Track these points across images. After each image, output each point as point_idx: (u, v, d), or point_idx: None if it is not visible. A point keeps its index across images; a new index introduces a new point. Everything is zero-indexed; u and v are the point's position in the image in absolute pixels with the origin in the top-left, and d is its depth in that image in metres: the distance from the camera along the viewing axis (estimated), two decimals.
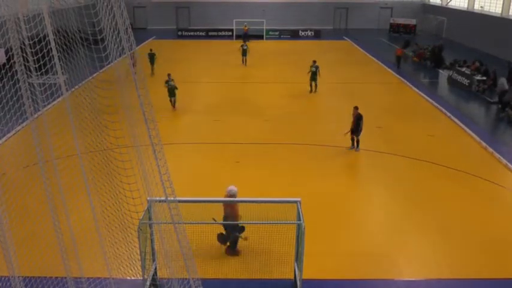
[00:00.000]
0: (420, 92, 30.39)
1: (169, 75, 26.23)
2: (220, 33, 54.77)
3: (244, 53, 38.27)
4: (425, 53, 40.37)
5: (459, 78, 32.58)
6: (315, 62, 30.50)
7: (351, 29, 60.92)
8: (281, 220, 11.24)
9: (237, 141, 21.54)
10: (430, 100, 28.62)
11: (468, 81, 31.48)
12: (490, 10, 46.61)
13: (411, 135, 22.80)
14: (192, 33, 54.95)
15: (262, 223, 11.12)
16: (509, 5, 42.82)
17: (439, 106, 27.30)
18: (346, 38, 52.63)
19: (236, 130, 23.07)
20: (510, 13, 42.75)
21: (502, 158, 19.82)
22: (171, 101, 25.94)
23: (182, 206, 8.85)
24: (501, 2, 43.92)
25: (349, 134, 20.36)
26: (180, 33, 55.05)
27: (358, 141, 20.45)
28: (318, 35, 55.35)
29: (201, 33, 54.97)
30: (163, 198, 7.61)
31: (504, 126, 24.87)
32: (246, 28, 51.42)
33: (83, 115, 8.00)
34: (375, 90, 30.41)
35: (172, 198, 7.58)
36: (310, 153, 20.31)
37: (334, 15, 62.55)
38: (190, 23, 61.04)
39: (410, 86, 32.09)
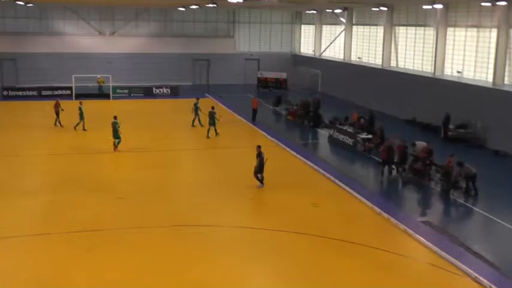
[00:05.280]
0: (298, 156, 31.35)
1: (115, 117, 32.16)
2: (56, 92, 52.81)
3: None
4: (299, 110, 42.09)
5: (341, 137, 34.25)
6: (213, 107, 36.62)
7: (213, 85, 62.00)
8: None
9: (85, 226, 20.42)
10: (311, 164, 29.59)
11: (352, 140, 33.13)
12: (369, 61, 50.56)
13: (292, 205, 23.24)
14: (20, 93, 52.38)
15: None
16: (390, 57, 46.82)
17: (321, 170, 28.29)
18: (208, 96, 53.45)
19: (83, 212, 21.98)
20: (392, 64, 46.70)
21: (399, 223, 20.84)
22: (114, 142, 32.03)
23: None
24: (380, 54, 47.82)
25: (254, 174, 24.74)
26: (5, 93, 52.27)
27: (263, 178, 24.84)
28: (175, 92, 55.81)
29: (32, 93, 52.61)
30: None
31: (396, 186, 26.45)
32: (101, 80, 54.76)
33: None
34: (244, 154, 30.43)
35: None
36: (175, 236, 19.85)
37: (193, 69, 63.60)
38: (18, 80, 58.33)
39: (287, 148, 33.04)
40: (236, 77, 64.04)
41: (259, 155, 24.97)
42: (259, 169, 25.07)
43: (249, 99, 45.57)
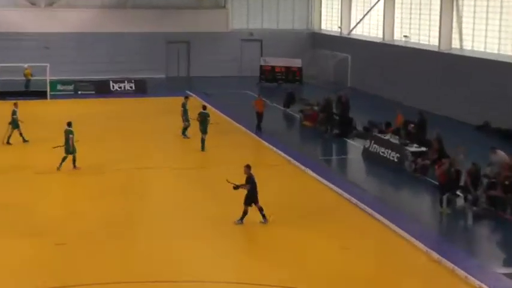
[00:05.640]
0: (320, 178, 31.15)
1: (69, 123, 32.62)
2: None
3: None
4: (320, 113, 41.80)
5: (381, 150, 33.95)
6: (204, 107, 37.53)
7: (197, 78, 61.87)
8: None
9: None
10: (337, 189, 29.32)
11: (397, 155, 32.77)
12: (421, 41, 50.42)
13: (312, 249, 23.09)
14: None
15: None
16: (450, 35, 46.64)
17: (352, 198, 28.03)
18: (190, 93, 52.95)
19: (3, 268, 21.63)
20: (454, 45, 46.57)
21: (470, 277, 20.36)
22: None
23: None
24: (436, 31, 47.43)
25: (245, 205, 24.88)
26: None
27: (261, 209, 24.94)
28: (142, 88, 55.60)
29: None
30: None
31: (464, 222, 26.49)
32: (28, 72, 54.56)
33: None
34: (243, 176, 30.17)
35: None
36: None
37: (167, 56, 63.52)
38: None
39: (303, 168, 32.85)
40: (229, 66, 63.83)
41: (250, 179, 25.13)
42: (251, 198, 25.13)
43: (251, 100, 45.20)
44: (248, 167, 25.35)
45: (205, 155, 35.97)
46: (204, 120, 36.05)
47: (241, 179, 25.55)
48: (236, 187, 25.04)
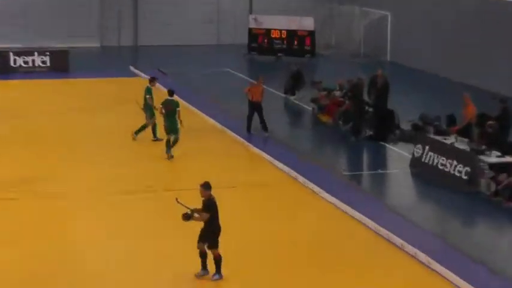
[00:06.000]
0: (344, 205, 30.26)
1: None
2: None
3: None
4: (344, 99, 41.51)
5: (442, 162, 33.16)
6: (171, 92, 37.20)
7: (148, 48, 63.10)
8: None
9: None
10: (371, 223, 28.54)
11: (468, 169, 31.77)
12: None
13: None
14: None
15: None
16: None
17: (395, 237, 26.94)
18: (138, 72, 52.69)
19: None
20: None
21: None
22: None
23: None
24: None
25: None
26: None
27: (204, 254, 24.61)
28: (62, 65, 55.89)
29: None
30: None
31: None
32: None
33: None
34: (226, 203, 29.23)
35: None
36: None
37: (102, 14, 64.28)
38: None
39: (320, 192, 32.00)
40: (200, 31, 64.80)
41: (210, 204, 24.32)
42: (212, 234, 24.44)
43: (236, 82, 45.81)
44: (206, 186, 24.43)
45: (167, 170, 35.71)
46: (172, 112, 35.57)
47: (233, 207, 26.92)
48: (187, 216, 24.21)
